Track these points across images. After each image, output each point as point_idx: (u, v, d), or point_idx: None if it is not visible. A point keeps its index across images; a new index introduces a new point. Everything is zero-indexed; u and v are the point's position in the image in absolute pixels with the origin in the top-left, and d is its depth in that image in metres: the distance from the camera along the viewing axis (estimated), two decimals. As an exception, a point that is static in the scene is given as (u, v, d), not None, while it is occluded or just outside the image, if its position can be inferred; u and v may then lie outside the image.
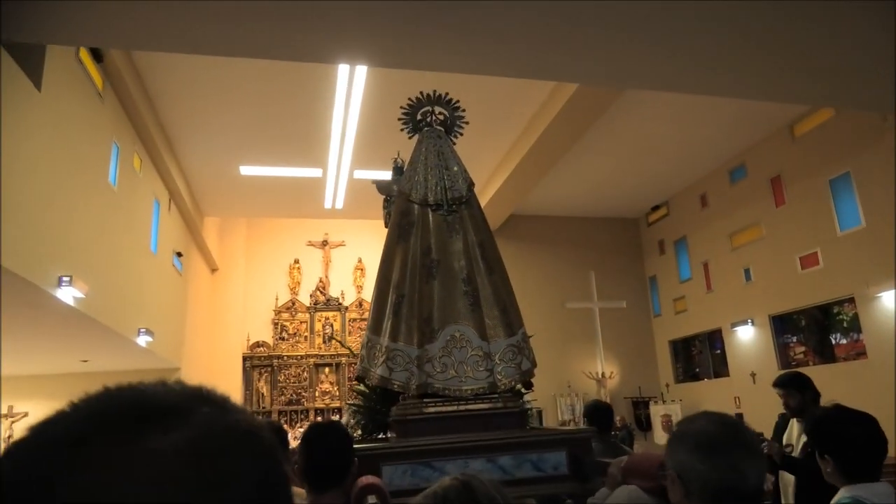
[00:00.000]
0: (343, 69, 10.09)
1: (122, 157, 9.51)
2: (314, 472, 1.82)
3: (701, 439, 1.28)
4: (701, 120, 12.56)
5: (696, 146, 13.74)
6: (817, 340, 12.06)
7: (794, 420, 3.66)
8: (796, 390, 3.57)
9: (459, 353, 2.89)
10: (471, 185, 3.34)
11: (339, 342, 17.51)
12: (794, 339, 12.73)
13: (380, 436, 3.22)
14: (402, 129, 3.58)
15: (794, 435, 3.60)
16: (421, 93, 3.61)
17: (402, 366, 2.86)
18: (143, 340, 10.54)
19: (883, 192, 10.38)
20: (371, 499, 1.86)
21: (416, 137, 3.61)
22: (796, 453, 3.53)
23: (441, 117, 3.52)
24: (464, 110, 3.59)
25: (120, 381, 0.47)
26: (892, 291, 10.14)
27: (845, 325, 11.59)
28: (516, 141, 13.23)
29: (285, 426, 17.72)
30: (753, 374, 13.36)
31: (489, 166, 14.41)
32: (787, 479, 3.54)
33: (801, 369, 12.75)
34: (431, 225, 3.14)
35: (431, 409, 2.80)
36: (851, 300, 11.18)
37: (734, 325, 13.85)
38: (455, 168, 3.32)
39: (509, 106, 11.74)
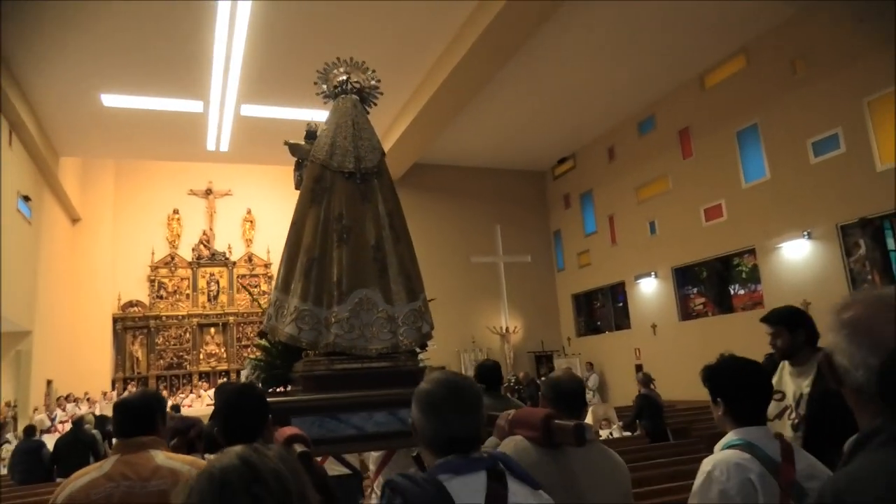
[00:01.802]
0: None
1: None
2: (232, 433, 1.88)
3: (422, 398, 1.53)
4: (612, 68, 12.18)
5: (605, 97, 13.40)
6: (717, 292, 12.27)
7: (786, 364, 3.08)
8: (786, 329, 2.97)
9: (366, 315, 3.00)
10: (383, 154, 3.41)
11: (254, 299, 15.88)
12: (695, 290, 12.93)
13: (279, 390, 3.33)
14: (316, 94, 3.53)
15: (787, 381, 3.02)
16: (337, 58, 3.56)
17: (310, 325, 2.96)
18: (-25, 298, 8.68)
19: (788, 143, 10.46)
20: (298, 447, 1.89)
21: (325, 100, 3.55)
22: (790, 401, 2.98)
23: (357, 85, 3.48)
24: (379, 80, 3.60)
25: None
26: (792, 242, 10.32)
27: (744, 276, 11.83)
28: (421, 84, 12.26)
29: (164, 392, 16.07)
30: (654, 326, 13.51)
31: (392, 110, 13.32)
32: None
33: (700, 320, 13.10)
34: (344, 192, 3.19)
35: (339, 366, 2.92)
36: (752, 251, 11.36)
37: (637, 277, 13.89)
38: (369, 138, 3.36)
39: (415, 44, 10.75)
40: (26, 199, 11.44)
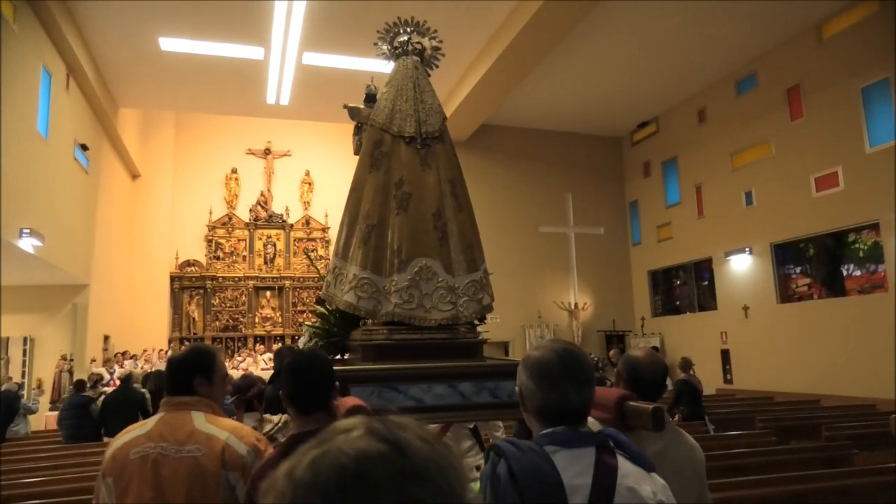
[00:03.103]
0: None
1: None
2: (302, 398, 1.89)
3: (534, 366, 1.44)
4: (707, 22, 10.82)
5: (697, 53, 11.98)
6: (827, 272, 10.84)
7: None
8: None
9: (426, 284, 2.89)
10: (445, 118, 3.26)
11: (312, 263, 15.39)
12: (798, 269, 11.50)
13: (336, 357, 3.25)
14: (377, 56, 3.39)
15: None
16: (399, 18, 3.40)
17: (369, 293, 2.88)
18: (27, 244, 8.22)
19: (932, 100, 8.91)
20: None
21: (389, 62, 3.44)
22: None
23: (419, 47, 3.34)
24: (441, 41, 3.44)
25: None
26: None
27: (862, 254, 10.35)
28: (490, 40, 11.32)
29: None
30: (746, 308, 12.17)
31: (460, 67, 12.32)
32: None
33: (803, 303, 11.70)
34: (404, 157, 3.04)
35: (397, 336, 2.85)
36: (875, 226, 9.89)
37: (728, 253, 12.53)
38: (430, 101, 3.22)
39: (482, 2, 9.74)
40: (84, 147, 11.00)
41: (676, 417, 7.39)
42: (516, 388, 1.51)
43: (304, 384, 1.89)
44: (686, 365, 8.14)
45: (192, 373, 2.01)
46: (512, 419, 2.96)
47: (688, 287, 14.35)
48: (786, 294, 11.56)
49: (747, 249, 12.13)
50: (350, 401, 2.00)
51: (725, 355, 12.71)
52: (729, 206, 12.67)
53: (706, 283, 13.67)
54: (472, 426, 3.54)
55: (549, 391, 1.39)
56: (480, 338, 3.11)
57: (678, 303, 14.77)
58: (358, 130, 3.68)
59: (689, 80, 13.19)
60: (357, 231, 3.01)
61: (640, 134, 15.70)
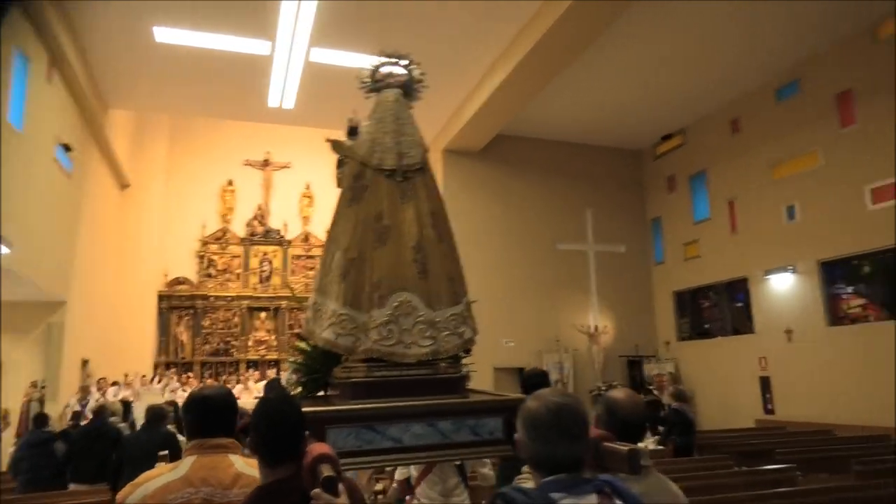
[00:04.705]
0: None
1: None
2: (271, 450, 1.81)
3: (528, 418, 1.50)
4: (745, 25, 10.12)
5: (730, 60, 11.23)
6: (887, 292, 9.87)
7: None
8: None
9: (406, 319, 2.85)
10: (426, 151, 3.23)
11: (290, 289, 14.31)
12: (850, 289, 10.52)
13: (319, 394, 3.21)
14: (358, 88, 3.33)
15: None
16: (382, 52, 3.34)
17: (347, 329, 2.84)
18: (-8, 251, 7.08)
19: None
20: (325, 469, 1.71)
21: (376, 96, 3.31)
22: None
23: (401, 79, 3.30)
24: (424, 74, 3.35)
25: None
26: None
27: (926, 272, 9.41)
28: (509, 46, 10.59)
29: (209, 381, 14.45)
30: (789, 332, 11.16)
31: (477, 73, 11.49)
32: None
33: (857, 325, 10.69)
34: (384, 190, 3.05)
35: (377, 374, 2.79)
36: (944, 241, 8.97)
37: (768, 272, 11.56)
38: (411, 134, 3.19)
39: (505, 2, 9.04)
40: (67, 147, 9.91)
41: (670, 447, 7.52)
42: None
43: (273, 436, 1.83)
44: (681, 395, 8.08)
45: (231, 413, 1.98)
46: (494, 456, 3.09)
47: (719, 309, 13.33)
48: (836, 316, 10.56)
49: (790, 268, 11.16)
50: (318, 448, 1.86)
51: (765, 383, 11.65)
52: (767, 221, 11.73)
53: (740, 304, 12.66)
54: (458, 463, 3.56)
55: (541, 444, 1.46)
56: (463, 372, 3.04)
57: (707, 326, 13.73)
58: (340, 164, 3.69)
59: (720, 88, 12.39)
60: (335, 266, 2.97)
61: (663, 147, 14.83)
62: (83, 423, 7.39)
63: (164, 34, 9.74)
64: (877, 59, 9.94)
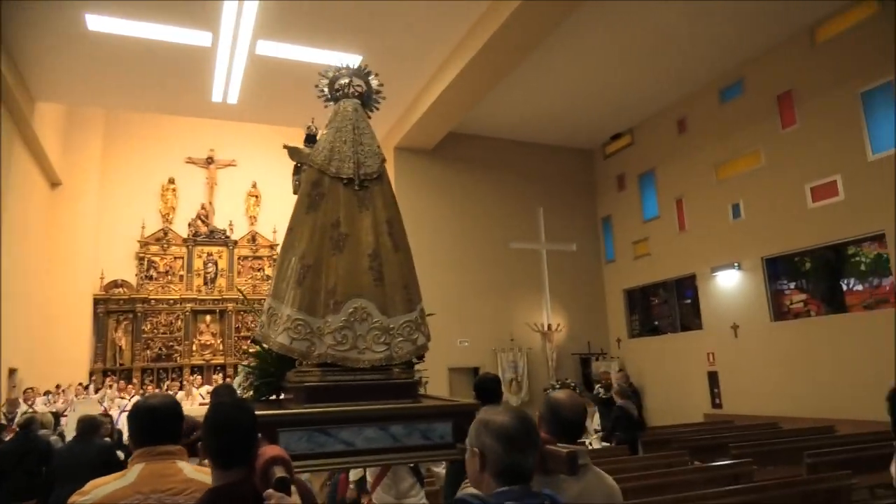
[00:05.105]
0: None
1: None
2: (224, 454, 1.82)
3: (502, 430, 1.59)
4: (686, 28, 10.33)
5: (676, 60, 11.44)
6: (825, 287, 10.20)
7: None
8: None
9: (360, 325, 2.92)
10: (383, 161, 3.32)
11: (240, 291, 13.78)
12: (792, 285, 10.84)
13: (272, 398, 3.29)
14: (317, 97, 3.45)
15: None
16: (340, 62, 3.49)
17: (302, 334, 2.88)
18: None
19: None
20: (278, 470, 1.73)
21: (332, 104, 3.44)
22: None
23: (359, 89, 3.41)
24: (382, 85, 3.50)
25: None
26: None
27: (864, 267, 9.76)
28: (460, 44, 10.50)
29: (149, 388, 13.77)
30: (735, 327, 11.43)
31: (427, 71, 11.33)
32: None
33: (799, 320, 11.02)
34: (341, 198, 3.11)
35: (331, 378, 2.84)
36: (879, 237, 9.31)
37: (715, 269, 11.81)
38: (369, 143, 3.27)
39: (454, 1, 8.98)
40: (-13, 142, 9.23)
41: (613, 443, 7.77)
42: (474, 449, 1.61)
43: (226, 441, 1.83)
44: (624, 392, 8.36)
45: (178, 421, 2.03)
46: (443, 460, 3.20)
47: (668, 306, 13.57)
48: (780, 311, 10.87)
49: (736, 265, 11.43)
50: (271, 450, 1.86)
51: (713, 378, 11.91)
52: (714, 219, 11.99)
53: (689, 301, 12.91)
54: (412, 464, 3.63)
55: (515, 454, 1.56)
56: (416, 377, 3.11)
57: (657, 323, 13.96)
58: (297, 171, 3.71)
59: (667, 88, 12.61)
60: (291, 272, 2.99)
61: (613, 146, 15.00)
62: (9, 437, 6.87)
63: (97, 22, 9.18)
64: (816, 61, 10.27)
